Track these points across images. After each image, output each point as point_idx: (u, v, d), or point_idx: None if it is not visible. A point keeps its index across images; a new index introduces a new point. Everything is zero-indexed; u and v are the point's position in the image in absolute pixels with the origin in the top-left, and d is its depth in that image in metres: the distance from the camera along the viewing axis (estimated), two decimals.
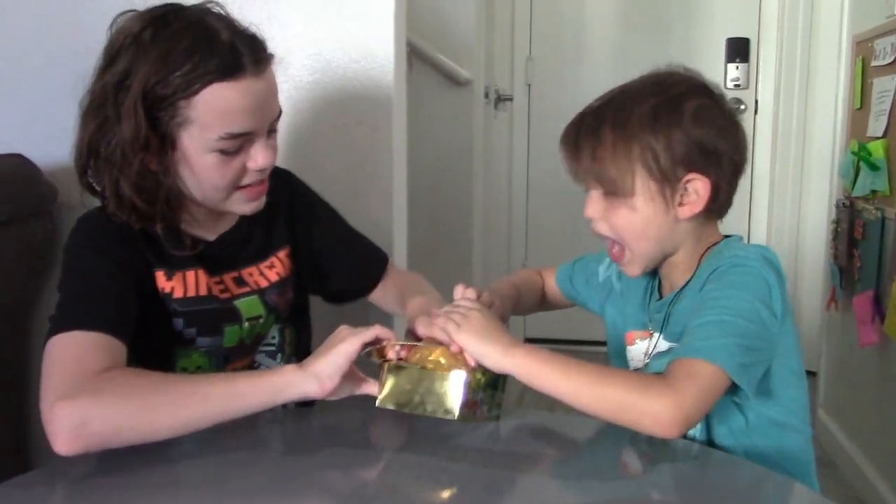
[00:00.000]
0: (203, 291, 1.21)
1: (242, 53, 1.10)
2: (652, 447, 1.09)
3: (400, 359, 1.07)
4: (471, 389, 1.04)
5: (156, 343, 1.19)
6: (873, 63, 2.49)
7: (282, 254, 1.31)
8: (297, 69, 1.63)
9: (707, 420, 1.13)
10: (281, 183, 1.33)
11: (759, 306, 1.05)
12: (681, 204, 1.12)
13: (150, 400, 0.99)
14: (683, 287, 1.17)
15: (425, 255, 2.53)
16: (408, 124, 1.76)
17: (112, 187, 1.13)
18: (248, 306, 1.26)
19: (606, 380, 1.03)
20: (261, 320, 1.27)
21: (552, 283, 1.49)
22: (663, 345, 1.18)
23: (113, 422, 0.97)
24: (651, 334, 1.22)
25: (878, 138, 2.40)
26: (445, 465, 1.03)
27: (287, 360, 1.33)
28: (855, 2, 2.76)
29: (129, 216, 1.15)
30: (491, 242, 3.48)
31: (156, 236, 1.19)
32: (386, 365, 1.07)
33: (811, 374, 3.23)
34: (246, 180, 1.17)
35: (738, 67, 3.79)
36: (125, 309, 1.11)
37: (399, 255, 1.71)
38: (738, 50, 3.79)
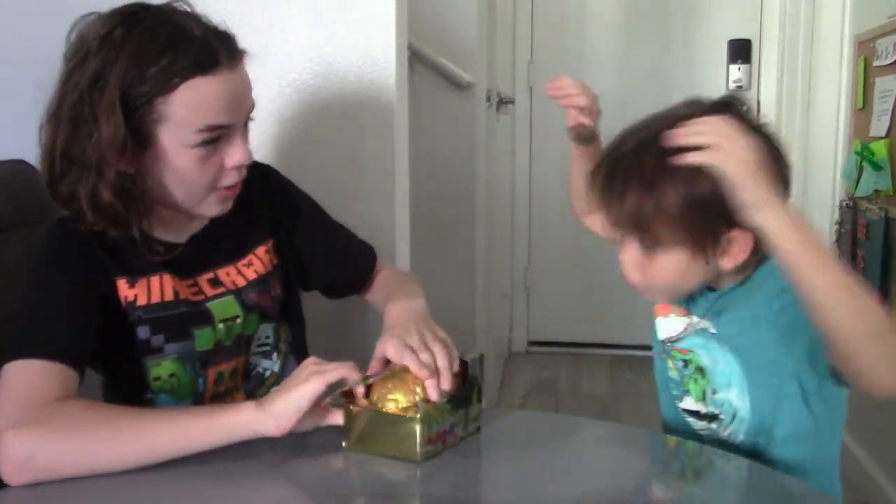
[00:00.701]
0: (169, 296, 1.19)
1: (217, 48, 1.10)
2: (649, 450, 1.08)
3: (362, 399, 1.06)
4: (433, 425, 1.02)
5: (124, 354, 1.18)
6: (875, 63, 2.49)
7: (261, 250, 1.29)
8: (298, 73, 1.63)
9: (772, 420, 1.12)
10: (259, 177, 1.31)
11: None
12: (724, 254, 1.06)
13: (96, 435, 0.99)
14: (735, 287, 1.13)
15: (428, 259, 2.53)
16: (410, 128, 1.76)
17: (89, 194, 1.10)
18: (222, 307, 1.23)
19: (874, 305, 0.92)
20: (238, 320, 1.24)
21: None
22: (712, 343, 1.16)
23: (57, 457, 0.97)
24: (689, 314, 1.19)
25: (880, 138, 2.40)
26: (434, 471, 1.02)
27: (284, 360, 1.32)
28: (856, 2, 2.76)
29: (107, 223, 1.13)
30: (493, 246, 3.48)
31: (117, 244, 1.17)
32: (349, 410, 1.05)
33: None
34: (224, 181, 1.16)
35: (739, 69, 3.79)
36: (82, 335, 1.11)
37: (401, 259, 1.70)
38: (740, 51, 3.80)
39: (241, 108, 1.15)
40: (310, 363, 1.06)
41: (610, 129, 1.22)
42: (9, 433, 0.97)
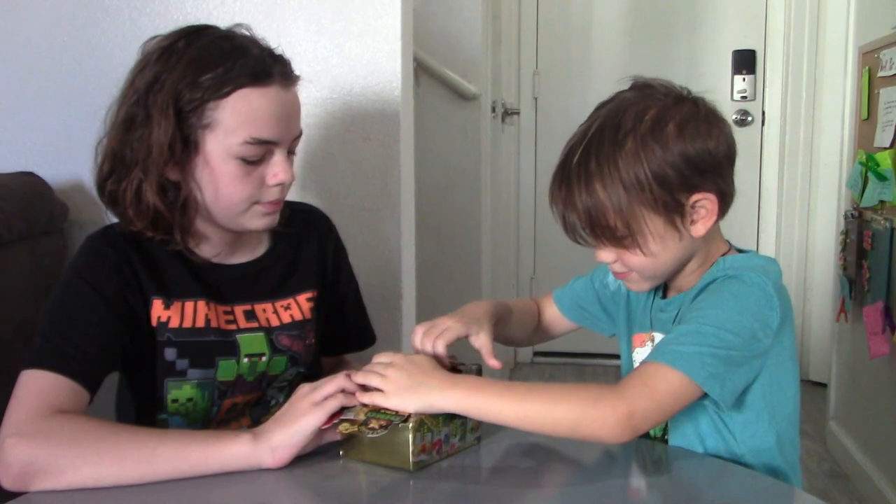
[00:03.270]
0: (200, 323, 1.20)
1: (271, 65, 1.14)
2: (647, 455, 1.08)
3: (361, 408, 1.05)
4: (425, 434, 1.02)
5: (147, 373, 1.18)
6: (880, 73, 2.49)
7: (303, 297, 1.29)
8: (304, 86, 1.64)
9: (698, 431, 1.12)
10: (320, 227, 1.34)
11: (748, 318, 1.04)
12: (692, 223, 1.09)
13: (96, 449, 0.99)
14: (690, 290, 1.15)
15: (434, 269, 2.53)
16: (415, 139, 1.77)
17: (134, 192, 1.13)
18: (250, 342, 1.23)
19: (556, 399, 1.01)
20: (263, 359, 1.24)
21: (551, 308, 1.41)
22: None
23: (55, 467, 0.97)
24: (653, 336, 1.20)
25: (885, 149, 2.40)
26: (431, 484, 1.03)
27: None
28: (861, 13, 2.76)
29: (147, 223, 1.15)
30: (499, 256, 3.48)
31: (159, 263, 1.19)
32: (340, 420, 1.04)
33: (821, 385, 3.23)
34: (264, 196, 1.17)
35: (744, 79, 3.80)
36: (101, 355, 1.12)
37: (407, 271, 1.71)
38: (745, 62, 3.80)
39: (288, 128, 1.16)
40: (305, 390, 1.04)
41: None
42: (10, 440, 0.99)
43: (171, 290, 1.19)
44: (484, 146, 2.93)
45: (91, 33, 1.67)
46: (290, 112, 1.17)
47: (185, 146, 1.11)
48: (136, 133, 1.12)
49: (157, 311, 1.18)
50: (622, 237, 1.08)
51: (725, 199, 1.10)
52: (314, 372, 1.33)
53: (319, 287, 1.32)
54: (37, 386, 1.05)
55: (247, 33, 1.18)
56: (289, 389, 1.29)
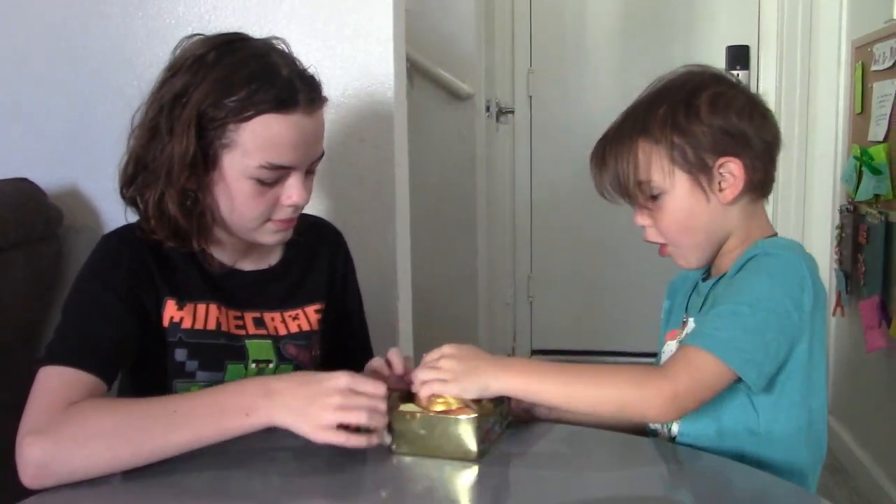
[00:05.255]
0: (212, 326, 1.21)
1: (299, 90, 1.13)
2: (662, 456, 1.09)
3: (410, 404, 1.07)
4: (484, 423, 1.04)
5: (154, 374, 1.19)
6: (873, 68, 2.50)
7: (311, 308, 1.30)
8: None
9: (718, 416, 1.12)
10: (330, 241, 1.35)
11: (780, 294, 1.06)
12: (720, 189, 1.14)
13: (111, 440, 0.99)
14: (726, 273, 1.16)
15: (430, 269, 2.54)
16: (409, 140, 1.77)
17: (155, 203, 1.14)
18: (258, 348, 1.24)
19: (603, 380, 1.06)
20: (270, 365, 1.25)
21: None
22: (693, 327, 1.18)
23: (73, 462, 0.98)
24: (686, 322, 1.21)
25: (879, 142, 2.40)
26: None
27: None
28: (853, 7, 2.77)
29: (168, 234, 1.16)
30: (495, 255, 3.49)
31: (173, 264, 1.20)
32: (395, 413, 1.05)
33: None
34: (278, 214, 1.17)
35: (738, 75, 3.79)
36: (118, 350, 1.12)
37: (403, 271, 1.71)
38: (739, 57, 3.80)
39: (307, 153, 1.17)
40: (342, 384, 1.01)
41: None
42: (27, 439, 0.98)
43: (185, 292, 1.20)
44: (479, 145, 2.93)
45: (84, 38, 1.67)
46: (311, 138, 1.17)
47: (204, 161, 1.12)
48: (157, 143, 1.13)
49: (170, 311, 1.19)
50: (651, 196, 1.15)
51: (756, 175, 1.15)
52: None
53: (327, 299, 1.32)
54: (54, 382, 1.05)
55: (282, 48, 1.18)
56: None
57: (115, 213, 1.62)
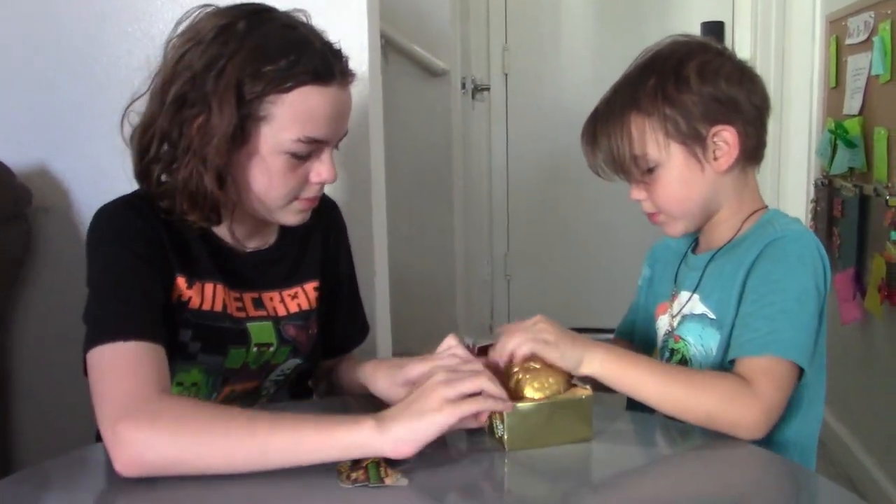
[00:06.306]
0: (218, 307, 1.16)
1: (334, 62, 1.10)
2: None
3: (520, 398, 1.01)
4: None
5: None
6: (847, 41, 2.50)
7: (310, 286, 1.27)
8: None
9: None
10: (326, 210, 1.31)
11: (811, 280, 1.09)
12: (715, 158, 1.14)
13: (208, 439, 0.93)
14: (723, 247, 1.18)
15: (406, 247, 2.52)
16: (384, 117, 1.75)
17: (189, 181, 1.08)
18: (259, 331, 1.20)
19: (696, 388, 1.04)
20: (271, 349, 1.21)
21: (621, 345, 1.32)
22: (698, 307, 1.18)
23: (169, 456, 0.92)
24: (676, 295, 1.22)
25: (853, 116, 2.41)
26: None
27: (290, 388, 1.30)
28: None
29: (200, 214, 1.11)
30: (472, 233, 3.48)
31: (183, 240, 1.14)
32: (516, 410, 0.99)
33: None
34: (305, 193, 1.14)
35: None
36: (159, 309, 1.08)
37: (379, 250, 1.70)
38: (714, 33, 3.78)
39: (339, 127, 1.14)
40: (440, 379, 0.96)
41: (585, 114, 1.23)
42: (122, 425, 0.92)
43: (194, 270, 1.15)
44: (455, 122, 2.91)
45: (52, 21, 1.63)
46: (344, 112, 1.14)
47: (242, 135, 1.08)
48: (186, 115, 1.07)
49: (181, 288, 1.14)
50: (648, 169, 1.15)
51: (749, 141, 1.15)
52: (312, 363, 1.31)
53: (322, 273, 1.30)
54: (120, 362, 0.99)
55: (308, 22, 1.15)
56: (285, 382, 1.28)
57: (85, 193, 1.61)
